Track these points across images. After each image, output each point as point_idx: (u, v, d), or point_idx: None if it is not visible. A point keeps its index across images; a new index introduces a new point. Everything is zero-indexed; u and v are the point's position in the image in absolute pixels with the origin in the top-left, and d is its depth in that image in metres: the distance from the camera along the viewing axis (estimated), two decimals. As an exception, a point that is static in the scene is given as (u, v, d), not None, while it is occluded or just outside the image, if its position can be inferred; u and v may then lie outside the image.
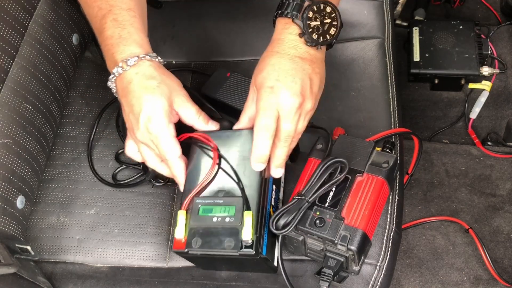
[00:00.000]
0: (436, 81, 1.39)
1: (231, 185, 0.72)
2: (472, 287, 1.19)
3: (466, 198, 1.31)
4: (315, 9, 0.72)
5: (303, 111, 0.71)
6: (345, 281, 0.75)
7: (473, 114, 1.42)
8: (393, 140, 0.85)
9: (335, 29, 0.74)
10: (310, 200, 0.70)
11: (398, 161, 0.77)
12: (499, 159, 1.35)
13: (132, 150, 0.78)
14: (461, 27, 1.40)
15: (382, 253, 0.79)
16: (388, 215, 0.82)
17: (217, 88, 0.89)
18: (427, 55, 1.37)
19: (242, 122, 0.76)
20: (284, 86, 0.69)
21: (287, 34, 0.72)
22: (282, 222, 0.69)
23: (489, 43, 1.40)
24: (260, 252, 0.69)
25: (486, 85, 1.40)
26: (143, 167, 0.86)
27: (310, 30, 0.71)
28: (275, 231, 0.69)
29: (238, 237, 0.67)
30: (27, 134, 0.82)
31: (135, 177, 0.89)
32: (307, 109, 0.71)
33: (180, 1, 1.11)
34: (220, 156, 0.74)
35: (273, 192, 0.76)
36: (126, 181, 0.89)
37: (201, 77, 1.00)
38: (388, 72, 0.98)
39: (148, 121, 0.71)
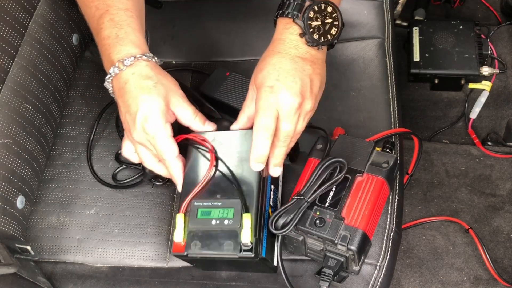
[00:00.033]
0: (436, 81, 1.39)
1: (229, 186, 0.72)
2: (472, 287, 1.19)
3: (466, 198, 1.31)
4: (316, 9, 0.72)
5: (303, 112, 0.70)
6: (345, 281, 0.75)
7: (473, 114, 1.42)
8: (393, 140, 0.86)
9: (336, 29, 0.73)
10: (309, 200, 0.70)
11: (398, 161, 0.77)
12: (499, 159, 1.35)
13: (129, 151, 0.78)
14: (461, 27, 1.40)
15: (382, 253, 0.79)
16: (388, 215, 0.82)
17: (216, 87, 0.89)
18: (427, 55, 1.37)
19: (241, 121, 0.76)
20: (284, 86, 0.68)
21: (288, 34, 0.72)
22: (281, 222, 0.69)
23: (489, 43, 1.40)
24: (260, 253, 0.69)
25: (486, 85, 1.40)
26: (143, 167, 0.86)
27: (311, 30, 0.71)
28: (274, 231, 0.69)
29: (237, 240, 0.67)
30: (27, 134, 0.82)
31: (135, 177, 0.89)
32: (307, 109, 0.71)
33: (180, 1, 1.11)
34: (217, 158, 0.73)
35: (272, 192, 0.75)
36: (126, 181, 0.89)
37: (201, 77, 1.00)
38: (388, 72, 0.98)
39: (145, 121, 0.70)
